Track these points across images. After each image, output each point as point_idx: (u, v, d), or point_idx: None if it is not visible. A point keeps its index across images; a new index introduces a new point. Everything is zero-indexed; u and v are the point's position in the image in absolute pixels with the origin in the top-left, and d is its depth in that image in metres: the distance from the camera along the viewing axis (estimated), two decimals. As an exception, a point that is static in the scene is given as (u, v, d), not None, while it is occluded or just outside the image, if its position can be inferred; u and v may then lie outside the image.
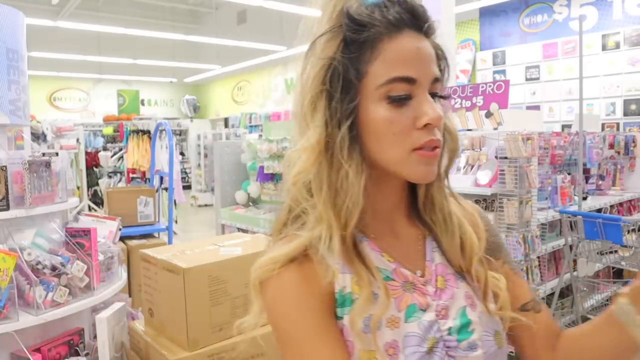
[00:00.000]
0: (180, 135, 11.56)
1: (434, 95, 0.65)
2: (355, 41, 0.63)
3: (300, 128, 0.67)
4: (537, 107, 7.16)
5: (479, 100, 3.21)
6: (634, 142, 4.41)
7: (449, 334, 0.66)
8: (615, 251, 3.24)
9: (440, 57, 0.68)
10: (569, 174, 3.68)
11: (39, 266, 1.83)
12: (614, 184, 4.32)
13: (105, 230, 2.29)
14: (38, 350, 1.80)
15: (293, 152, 0.67)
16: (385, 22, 0.62)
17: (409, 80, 0.62)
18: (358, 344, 0.63)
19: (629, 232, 2.94)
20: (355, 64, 0.63)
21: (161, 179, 4.99)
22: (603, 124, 6.30)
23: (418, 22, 0.64)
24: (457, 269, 0.71)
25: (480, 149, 3.05)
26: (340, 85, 0.63)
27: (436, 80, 0.65)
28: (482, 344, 0.66)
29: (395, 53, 0.62)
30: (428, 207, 0.73)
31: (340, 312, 0.66)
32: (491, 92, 3.16)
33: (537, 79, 7.30)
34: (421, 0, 0.73)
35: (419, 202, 0.73)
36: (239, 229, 4.35)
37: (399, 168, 0.65)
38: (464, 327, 0.66)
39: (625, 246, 3.01)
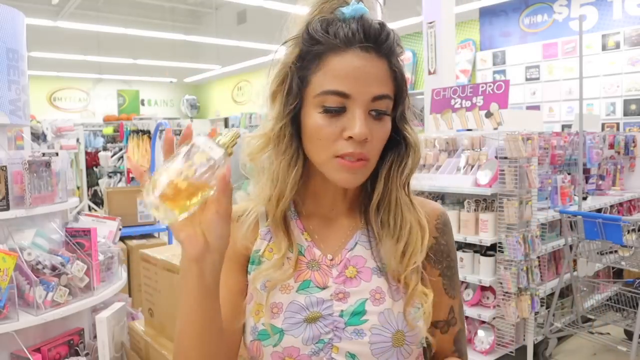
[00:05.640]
0: (180, 135, 11.53)
1: (379, 112, 0.70)
2: (307, 53, 0.71)
3: (265, 118, 0.78)
4: (537, 107, 7.14)
5: (479, 100, 3.21)
6: (634, 142, 4.40)
7: (340, 316, 0.73)
8: (615, 251, 3.24)
9: (398, 78, 0.72)
10: (569, 174, 3.68)
11: (39, 266, 1.83)
12: (614, 184, 4.32)
13: (105, 230, 2.29)
14: (38, 350, 1.80)
15: (250, 137, 0.78)
16: (334, 39, 0.69)
17: (342, 95, 0.68)
18: (255, 297, 0.76)
19: (629, 232, 2.94)
20: (302, 72, 0.72)
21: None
22: (603, 124, 6.29)
23: (367, 42, 0.69)
24: (391, 273, 0.75)
25: (480, 149, 3.05)
26: (287, 89, 0.73)
27: (379, 97, 0.69)
28: (371, 334, 0.71)
29: (335, 68, 0.69)
30: (381, 209, 0.77)
31: (249, 269, 0.80)
32: (491, 92, 3.16)
33: (537, 79, 7.28)
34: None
35: (372, 202, 0.77)
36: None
37: (324, 169, 0.73)
38: (357, 315, 0.72)
39: (625, 246, 3.01)
